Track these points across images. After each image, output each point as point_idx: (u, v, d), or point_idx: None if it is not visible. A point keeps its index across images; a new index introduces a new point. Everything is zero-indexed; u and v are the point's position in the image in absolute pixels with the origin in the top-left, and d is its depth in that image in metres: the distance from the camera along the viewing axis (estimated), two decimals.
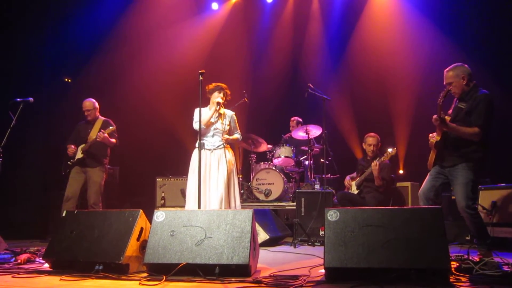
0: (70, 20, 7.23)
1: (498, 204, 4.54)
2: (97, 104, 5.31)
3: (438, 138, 3.60)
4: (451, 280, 2.57)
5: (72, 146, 5.15)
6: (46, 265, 3.24)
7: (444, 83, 3.64)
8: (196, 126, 4.22)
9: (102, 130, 4.99)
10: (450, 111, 3.71)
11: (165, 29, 7.96)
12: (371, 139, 5.34)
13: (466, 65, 3.64)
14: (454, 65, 3.65)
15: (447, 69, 3.66)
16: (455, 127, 3.51)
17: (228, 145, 4.46)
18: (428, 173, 3.75)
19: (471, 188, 3.45)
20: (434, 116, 3.50)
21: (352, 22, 7.94)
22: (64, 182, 5.13)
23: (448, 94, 3.53)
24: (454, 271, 2.69)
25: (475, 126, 3.45)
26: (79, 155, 5.11)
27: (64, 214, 3.39)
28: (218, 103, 4.32)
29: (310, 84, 5.66)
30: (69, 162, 5.15)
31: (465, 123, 3.51)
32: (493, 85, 6.15)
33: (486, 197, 4.64)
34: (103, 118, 5.31)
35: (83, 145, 5.11)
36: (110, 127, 5.02)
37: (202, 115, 4.22)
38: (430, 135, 3.72)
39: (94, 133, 5.08)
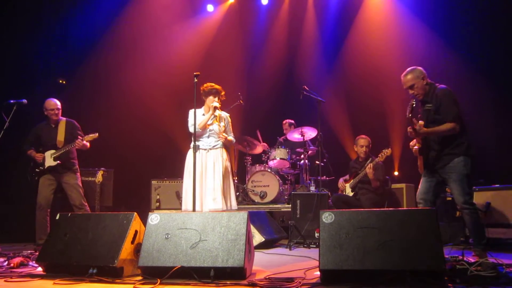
0: (64, 21, 7.20)
1: (492, 205, 4.57)
2: (60, 105, 5.00)
3: (419, 145, 3.61)
4: (445, 281, 2.58)
5: (35, 152, 4.85)
6: (40, 269, 3.21)
7: (404, 87, 3.63)
8: (191, 129, 4.24)
9: (80, 136, 4.76)
10: (420, 116, 3.70)
11: (160, 31, 7.94)
12: (362, 141, 5.36)
13: (419, 67, 3.64)
14: (410, 68, 3.64)
15: (404, 73, 3.64)
16: (431, 130, 3.52)
17: (223, 146, 4.48)
18: (422, 176, 3.75)
19: (466, 184, 3.46)
20: (408, 129, 3.52)
21: (347, 25, 7.97)
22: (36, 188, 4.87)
23: (414, 107, 3.50)
24: (448, 272, 2.70)
25: (448, 121, 3.47)
26: (50, 162, 4.80)
27: (57, 217, 3.36)
28: (215, 108, 4.34)
29: (305, 86, 5.67)
30: (37, 169, 4.85)
31: (438, 122, 3.52)
32: (487, 88, 6.21)
33: (480, 198, 4.66)
34: (65, 118, 5.01)
35: (52, 151, 4.82)
36: (91, 134, 4.76)
37: (198, 119, 4.24)
38: (411, 143, 3.72)
39: (61, 137, 4.84)
